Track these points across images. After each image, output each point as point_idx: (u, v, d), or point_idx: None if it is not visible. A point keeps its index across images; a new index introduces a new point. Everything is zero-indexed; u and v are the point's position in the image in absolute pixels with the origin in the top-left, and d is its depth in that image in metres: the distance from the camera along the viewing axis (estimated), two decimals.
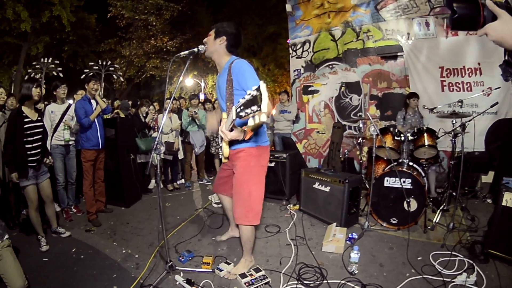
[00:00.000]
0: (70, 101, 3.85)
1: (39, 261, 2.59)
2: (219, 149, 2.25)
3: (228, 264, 2.38)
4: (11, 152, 2.70)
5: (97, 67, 16.06)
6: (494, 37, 0.86)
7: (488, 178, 4.26)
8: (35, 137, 2.82)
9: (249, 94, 1.37)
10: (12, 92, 10.52)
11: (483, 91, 4.13)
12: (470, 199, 3.87)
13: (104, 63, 16.31)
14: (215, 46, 2.10)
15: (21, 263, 2.06)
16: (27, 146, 2.74)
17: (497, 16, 0.85)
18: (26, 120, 2.75)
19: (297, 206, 3.76)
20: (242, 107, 1.40)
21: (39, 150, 2.84)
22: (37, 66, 15.04)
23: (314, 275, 2.24)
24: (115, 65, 16.77)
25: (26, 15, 12.15)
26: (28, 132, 2.75)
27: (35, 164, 2.78)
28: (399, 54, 4.95)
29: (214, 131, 2.52)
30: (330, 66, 5.64)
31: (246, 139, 1.94)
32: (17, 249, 2.35)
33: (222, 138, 2.05)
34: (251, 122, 1.42)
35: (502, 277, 2.06)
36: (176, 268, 2.33)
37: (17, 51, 14.26)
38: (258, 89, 1.34)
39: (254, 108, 1.35)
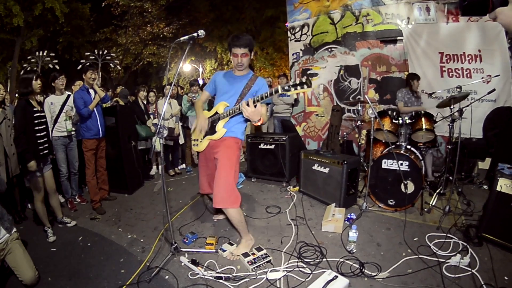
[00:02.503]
0: (69, 92, 3.83)
1: (48, 252, 2.63)
2: (206, 133, 2.43)
3: (231, 244, 2.46)
4: (25, 141, 2.65)
5: (93, 57, 15.81)
6: (503, 21, 0.93)
7: (485, 164, 4.26)
8: (42, 127, 2.84)
9: (300, 79, 1.87)
10: (9, 88, 10.41)
11: (482, 78, 4.10)
12: (467, 184, 3.91)
13: (100, 53, 16.05)
14: (248, 61, 2.38)
15: (30, 255, 2.13)
16: (37, 135, 2.77)
17: (508, 1, 0.91)
18: (35, 109, 2.76)
19: (297, 188, 3.83)
20: (290, 86, 1.90)
21: (45, 139, 2.87)
22: (32, 60, 14.79)
23: (314, 254, 2.32)
24: (112, 54, 16.51)
25: (18, 10, 11.87)
26: (36, 121, 2.77)
27: (44, 153, 2.81)
28: (398, 38, 4.89)
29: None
30: (329, 50, 5.59)
31: (260, 123, 2.18)
32: (25, 242, 2.38)
33: (211, 125, 2.41)
34: (292, 94, 1.96)
35: (495, 260, 2.12)
36: (181, 249, 2.41)
37: (10, 47, 14.01)
38: (307, 77, 1.85)
39: (304, 86, 1.86)
